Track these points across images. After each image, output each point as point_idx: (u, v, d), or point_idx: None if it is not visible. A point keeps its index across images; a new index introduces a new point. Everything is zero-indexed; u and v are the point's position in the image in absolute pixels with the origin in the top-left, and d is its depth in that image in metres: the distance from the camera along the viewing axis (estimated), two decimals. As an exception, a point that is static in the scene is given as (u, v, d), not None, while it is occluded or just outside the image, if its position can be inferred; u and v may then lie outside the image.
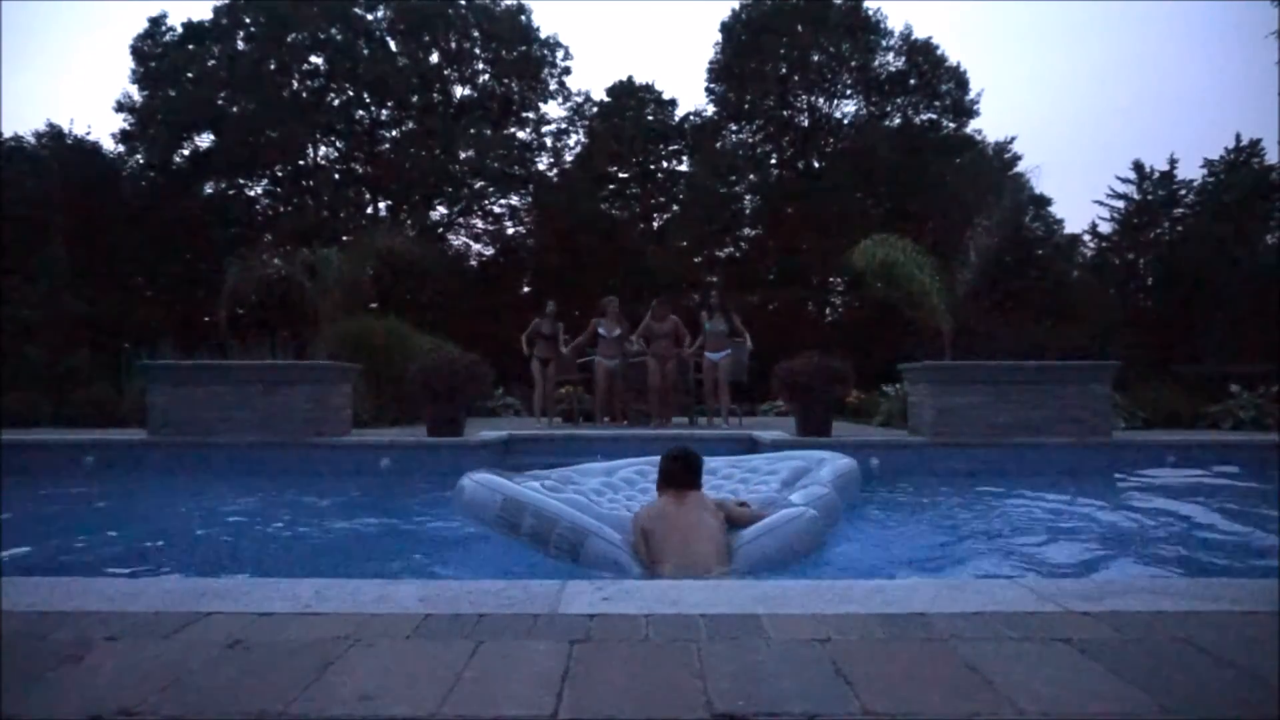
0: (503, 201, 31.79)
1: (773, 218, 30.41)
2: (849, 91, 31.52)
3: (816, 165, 31.23)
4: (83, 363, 12.94)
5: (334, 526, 4.77)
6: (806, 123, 31.70)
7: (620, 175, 32.56)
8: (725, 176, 31.04)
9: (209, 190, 28.50)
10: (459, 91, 31.40)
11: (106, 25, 50.43)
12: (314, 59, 29.51)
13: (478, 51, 31.01)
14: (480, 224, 32.14)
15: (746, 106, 31.52)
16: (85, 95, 49.57)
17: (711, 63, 31.77)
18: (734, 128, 32.34)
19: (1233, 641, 1.66)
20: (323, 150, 30.58)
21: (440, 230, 30.84)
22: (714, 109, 32.23)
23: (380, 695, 1.36)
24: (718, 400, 9.88)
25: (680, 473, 3.56)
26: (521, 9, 30.94)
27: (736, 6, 31.08)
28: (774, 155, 32.59)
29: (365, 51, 29.17)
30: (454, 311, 25.56)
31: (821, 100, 31.57)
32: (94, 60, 54.86)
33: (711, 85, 31.91)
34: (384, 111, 30.69)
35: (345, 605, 1.92)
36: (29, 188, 21.27)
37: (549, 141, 32.45)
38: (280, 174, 29.74)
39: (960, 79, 30.52)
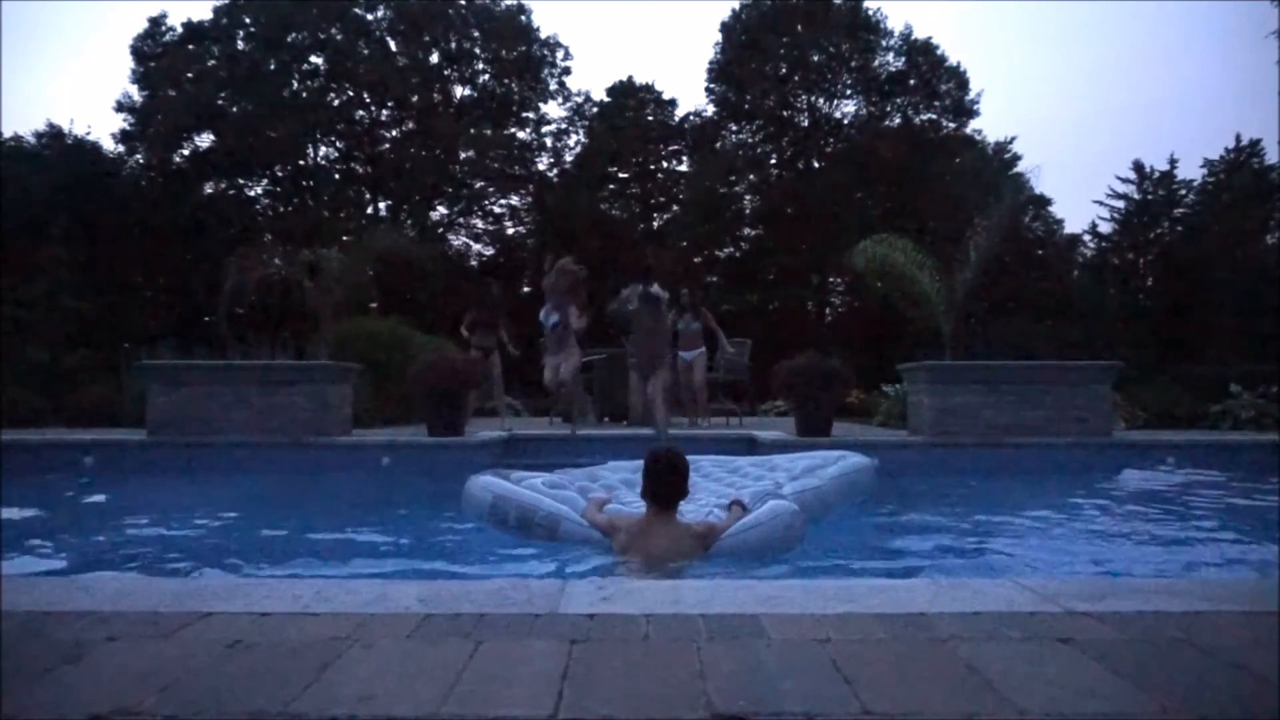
0: (503, 201, 31.83)
1: (773, 218, 30.41)
2: (849, 91, 31.55)
3: (816, 165, 31.25)
4: (83, 363, 12.94)
5: (334, 526, 4.76)
6: (806, 123, 31.71)
7: (620, 175, 32.59)
8: (725, 176, 31.04)
9: (209, 190, 28.50)
10: (459, 91, 31.42)
11: (106, 25, 50.52)
12: (314, 59, 29.53)
13: (478, 51, 31.03)
14: (480, 224, 32.19)
15: (746, 106, 31.53)
16: (85, 95, 49.69)
17: (711, 63, 31.80)
18: (734, 128, 32.36)
19: (1233, 641, 1.65)
20: (323, 150, 30.58)
21: (440, 230, 30.85)
22: (714, 109, 32.27)
23: (380, 695, 1.36)
24: (694, 400, 9.82)
25: (662, 490, 3.43)
26: (521, 9, 30.96)
27: (736, 6, 31.11)
28: (774, 155, 32.60)
29: (365, 51, 29.16)
30: (454, 311, 25.51)
31: (821, 100, 31.58)
32: (94, 60, 54.97)
33: (711, 85, 31.94)
34: (384, 111, 30.70)
35: (345, 605, 1.92)
36: (29, 188, 21.25)
37: (549, 141, 32.51)
38: (280, 174, 29.75)
39: (960, 79, 30.55)
